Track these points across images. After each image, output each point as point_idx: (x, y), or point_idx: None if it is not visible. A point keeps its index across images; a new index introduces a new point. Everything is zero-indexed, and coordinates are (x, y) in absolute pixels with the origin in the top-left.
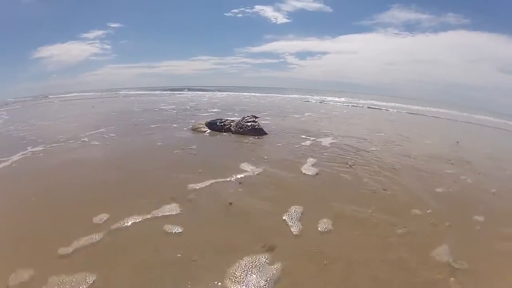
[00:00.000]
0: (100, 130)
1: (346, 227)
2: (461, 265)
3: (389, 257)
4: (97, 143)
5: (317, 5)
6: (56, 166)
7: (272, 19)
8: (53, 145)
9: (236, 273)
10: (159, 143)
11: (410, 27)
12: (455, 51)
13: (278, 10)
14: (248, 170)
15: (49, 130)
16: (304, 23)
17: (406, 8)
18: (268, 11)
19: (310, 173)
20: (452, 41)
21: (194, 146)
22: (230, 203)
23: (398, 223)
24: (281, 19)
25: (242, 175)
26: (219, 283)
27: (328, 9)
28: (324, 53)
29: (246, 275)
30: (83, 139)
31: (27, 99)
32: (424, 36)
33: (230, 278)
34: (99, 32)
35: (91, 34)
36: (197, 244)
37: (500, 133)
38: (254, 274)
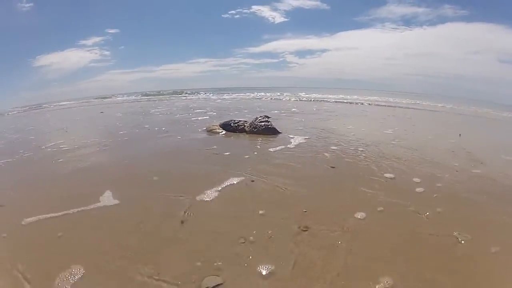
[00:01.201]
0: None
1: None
2: None
3: None
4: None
5: (313, 3)
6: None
7: (270, 18)
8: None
9: None
10: (180, 145)
11: (407, 21)
12: (454, 43)
13: (275, 9)
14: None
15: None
16: (301, 21)
17: (402, 2)
18: (265, 11)
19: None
20: (450, 33)
21: (215, 147)
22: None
23: None
24: (278, 18)
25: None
26: None
27: (325, 6)
28: (324, 50)
29: None
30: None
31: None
32: (422, 30)
33: None
34: (98, 39)
35: (90, 41)
36: None
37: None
38: None
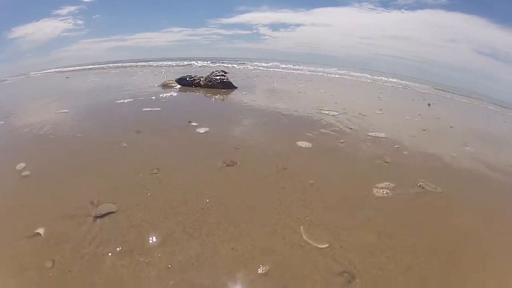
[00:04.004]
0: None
1: None
2: None
3: None
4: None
5: None
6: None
7: None
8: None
9: None
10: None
11: (385, 3)
12: (431, 29)
13: None
14: None
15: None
16: None
17: None
18: None
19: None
20: (429, 19)
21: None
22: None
23: None
24: None
25: None
26: None
27: None
28: (298, 25)
29: None
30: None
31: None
32: (400, 13)
33: None
34: (72, 8)
35: (64, 10)
36: None
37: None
38: None
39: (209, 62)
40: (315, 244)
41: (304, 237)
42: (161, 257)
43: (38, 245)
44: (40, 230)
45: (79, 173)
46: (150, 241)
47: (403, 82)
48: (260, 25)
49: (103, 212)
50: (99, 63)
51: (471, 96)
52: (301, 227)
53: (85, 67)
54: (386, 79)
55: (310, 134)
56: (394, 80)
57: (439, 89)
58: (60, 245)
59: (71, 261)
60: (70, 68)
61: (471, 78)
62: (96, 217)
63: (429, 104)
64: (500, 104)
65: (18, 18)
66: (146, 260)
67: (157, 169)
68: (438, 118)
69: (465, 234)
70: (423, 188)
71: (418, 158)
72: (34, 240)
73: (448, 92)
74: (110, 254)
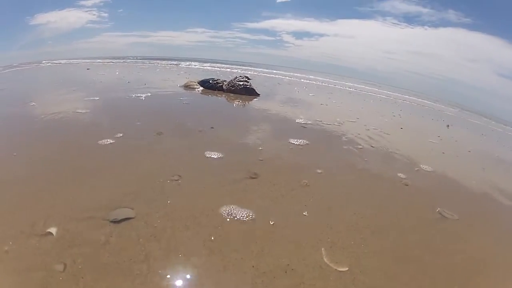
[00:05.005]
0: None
1: None
2: None
3: None
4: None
5: None
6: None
7: None
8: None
9: None
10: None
11: (410, 19)
12: (453, 48)
13: None
14: None
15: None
16: (304, 3)
17: (407, 0)
18: None
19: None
20: (451, 37)
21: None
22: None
23: None
24: None
25: None
26: None
27: None
28: (322, 35)
29: None
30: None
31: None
32: (423, 29)
33: None
34: (97, 0)
35: (89, 2)
36: None
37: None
38: None
39: (231, 65)
40: (335, 267)
41: (325, 259)
42: (179, 270)
43: (49, 245)
44: (53, 230)
45: (98, 173)
46: (169, 252)
47: (423, 100)
48: (284, 32)
49: (120, 218)
50: (123, 58)
51: (488, 117)
52: (322, 249)
53: (106, 60)
54: (406, 96)
55: (331, 150)
56: (413, 98)
57: (457, 109)
58: (73, 248)
59: (83, 266)
60: (91, 60)
61: (490, 99)
62: (113, 221)
63: (448, 126)
64: None
65: (42, 5)
66: (164, 273)
67: (178, 175)
68: (456, 141)
69: (481, 262)
70: (441, 214)
71: (437, 182)
72: (45, 239)
73: (467, 111)
74: (125, 262)
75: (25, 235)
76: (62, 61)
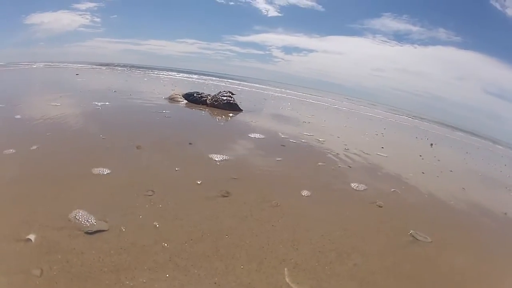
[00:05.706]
0: None
1: None
2: None
3: None
4: None
5: (309, 3)
6: None
7: (264, 11)
8: None
9: None
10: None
11: (399, 37)
12: (442, 66)
13: (270, 3)
14: None
15: None
16: (294, 19)
17: (397, 18)
18: (260, 3)
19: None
20: (440, 55)
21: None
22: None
23: None
24: (272, 12)
25: None
26: None
27: (320, 8)
28: (311, 50)
29: None
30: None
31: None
32: (412, 48)
33: None
34: (92, 4)
35: (83, 5)
36: None
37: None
38: None
39: (218, 78)
40: None
41: (287, 279)
42: (145, 283)
43: (28, 251)
44: (32, 236)
45: (74, 182)
46: (137, 265)
47: (408, 118)
48: (274, 47)
49: (93, 230)
50: (113, 64)
51: (475, 135)
52: (285, 269)
53: (95, 66)
54: (391, 114)
55: (307, 170)
56: (398, 116)
57: (444, 127)
58: (50, 255)
59: (58, 273)
60: (81, 65)
61: (477, 117)
62: (87, 233)
63: (432, 145)
64: (505, 145)
65: (38, 4)
66: (131, 284)
67: (152, 191)
68: (439, 160)
69: (454, 284)
70: (413, 236)
71: (412, 203)
72: (25, 245)
73: (453, 129)
74: (96, 272)
75: (7, 239)
76: (52, 64)
